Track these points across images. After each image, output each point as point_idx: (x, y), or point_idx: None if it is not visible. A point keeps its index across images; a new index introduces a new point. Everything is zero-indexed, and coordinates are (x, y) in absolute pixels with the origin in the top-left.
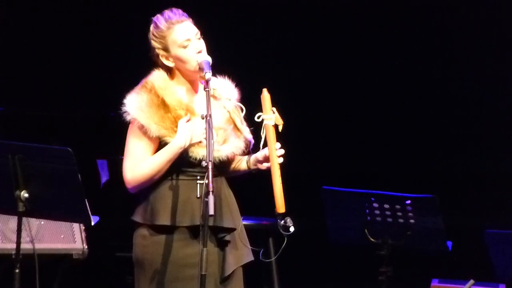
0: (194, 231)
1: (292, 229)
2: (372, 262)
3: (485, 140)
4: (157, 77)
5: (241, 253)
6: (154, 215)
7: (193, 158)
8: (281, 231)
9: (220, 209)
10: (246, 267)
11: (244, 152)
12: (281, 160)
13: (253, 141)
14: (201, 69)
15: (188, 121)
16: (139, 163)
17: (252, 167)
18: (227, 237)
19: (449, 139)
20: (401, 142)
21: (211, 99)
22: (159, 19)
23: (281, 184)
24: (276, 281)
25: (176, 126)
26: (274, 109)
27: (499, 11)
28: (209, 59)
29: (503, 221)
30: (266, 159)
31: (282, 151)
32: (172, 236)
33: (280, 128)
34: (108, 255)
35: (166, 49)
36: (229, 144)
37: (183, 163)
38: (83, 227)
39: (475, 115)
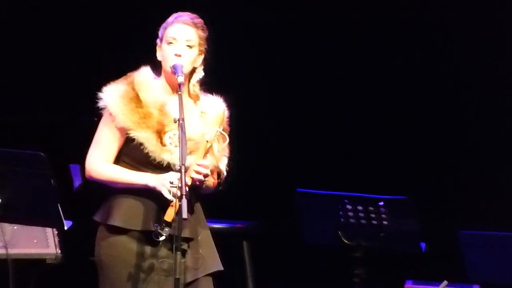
0: (147, 236)
1: (162, 238)
2: (346, 264)
3: (460, 141)
4: (141, 72)
5: (205, 262)
6: (109, 215)
7: (158, 162)
8: (153, 235)
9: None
10: (218, 275)
11: (211, 174)
12: (197, 176)
13: (225, 173)
14: (173, 72)
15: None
16: (104, 156)
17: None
18: (184, 246)
19: (424, 140)
20: (375, 143)
21: (199, 112)
22: (174, 14)
23: (183, 196)
24: (251, 283)
25: (144, 122)
26: (220, 128)
27: (500, 11)
28: (183, 64)
29: (476, 222)
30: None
31: (203, 170)
32: (126, 238)
33: (208, 145)
34: (82, 259)
35: (161, 40)
36: (195, 157)
37: (148, 166)
38: (56, 232)
39: (453, 115)
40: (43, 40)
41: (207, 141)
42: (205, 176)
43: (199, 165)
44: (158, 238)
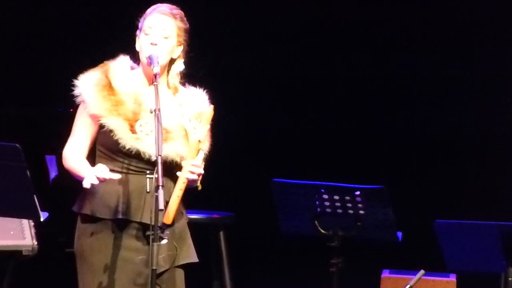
0: (121, 224)
1: (164, 241)
2: (322, 254)
3: (436, 131)
4: (117, 60)
5: (177, 254)
6: (83, 204)
7: (127, 149)
8: (154, 240)
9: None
10: (191, 267)
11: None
12: (191, 176)
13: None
14: (149, 63)
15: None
16: (75, 145)
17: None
18: (160, 234)
19: (400, 130)
20: (351, 133)
21: (177, 104)
22: (154, 5)
23: (179, 198)
24: (227, 273)
25: (116, 110)
26: (208, 127)
27: (500, 11)
28: (159, 55)
29: (453, 211)
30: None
31: (198, 170)
32: (99, 227)
33: (198, 145)
34: (58, 251)
35: (139, 29)
36: (168, 146)
37: (119, 154)
38: (32, 223)
39: (428, 105)
40: (19, 32)
41: (199, 141)
42: (199, 175)
43: (193, 165)
44: (160, 242)
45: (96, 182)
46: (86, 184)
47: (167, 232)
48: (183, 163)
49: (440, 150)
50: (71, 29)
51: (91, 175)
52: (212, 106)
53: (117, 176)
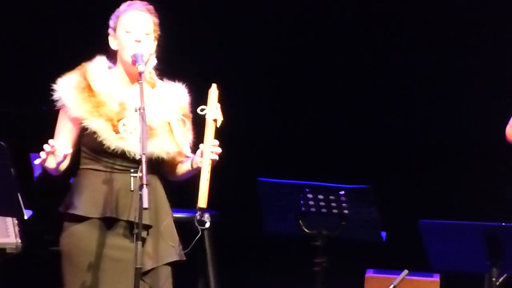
0: (108, 223)
1: (207, 224)
2: (307, 253)
3: (422, 131)
4: (95, 62)
5: (163, 251)
6: (70, 203)
7: (112, 150)
8: (196, 224)
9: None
10: (177, 265)
11: (173, 159)
12: (214, 157)
13: (190, 155)
14: (134, 62)
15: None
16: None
17: (194, 166)
18: (143, 234)
19: (385, 129)
20: (336, 132)
21: (157, 98)
22: (125, 3)
23: (208, 180)
24: (212, 273)
25: (97, 111)
26: (219, 105)
27: (500, 11)
28: (143, 52)
29: (437, 211)
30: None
31: (218, 149)
32: (86, 226)
33: (219, 123)
34: (43, 249)
35: (114, 29)
36: (153, 142)
37: (103, 154)
38: (17, 221)
39: (414, 106)
40: (4, 29)
41: (214, 120)
42: (219, 155)
43: (213, 145)
44: (204, 226)
45: (44, 156)
46: (36, 162)
47: (207, 215)
48: (201, 146)
49: (434, 150)
50: (57, 31)
51: (42, 152)
52: (215, 85)
53: (69, 150)
